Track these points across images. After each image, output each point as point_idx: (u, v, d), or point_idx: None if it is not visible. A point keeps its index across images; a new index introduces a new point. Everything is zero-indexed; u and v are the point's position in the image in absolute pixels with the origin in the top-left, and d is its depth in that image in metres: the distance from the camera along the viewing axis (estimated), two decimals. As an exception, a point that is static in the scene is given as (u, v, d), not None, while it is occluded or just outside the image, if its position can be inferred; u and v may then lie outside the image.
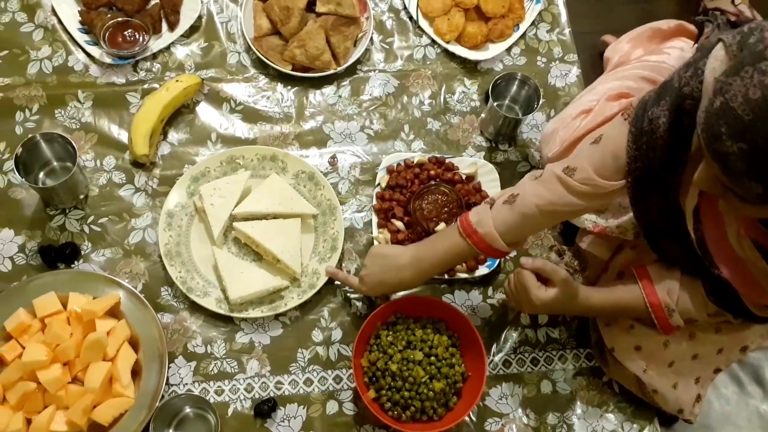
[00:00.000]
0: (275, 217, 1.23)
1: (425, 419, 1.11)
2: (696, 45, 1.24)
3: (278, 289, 1.19)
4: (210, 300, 1.17)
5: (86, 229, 1.22)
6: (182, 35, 1.37)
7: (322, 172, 1.28)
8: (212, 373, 1.16)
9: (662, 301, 1.00)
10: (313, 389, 1.16)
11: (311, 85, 1.38)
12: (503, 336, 1.23)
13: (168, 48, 1.37)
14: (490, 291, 1.25)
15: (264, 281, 1.17)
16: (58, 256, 1.18)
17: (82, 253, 1.20)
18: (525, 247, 1.29)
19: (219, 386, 1.15)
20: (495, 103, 1.30)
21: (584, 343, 1.23)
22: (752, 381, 1.24)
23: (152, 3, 1.38)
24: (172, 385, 1.14)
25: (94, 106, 1.31)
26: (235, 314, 1.17)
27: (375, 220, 1.25)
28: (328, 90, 1.38)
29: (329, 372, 1.17)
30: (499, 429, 1.17)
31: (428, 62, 1.42)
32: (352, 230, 1.27)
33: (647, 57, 1.25)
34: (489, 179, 1.30)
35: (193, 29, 1.39)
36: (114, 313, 1.13)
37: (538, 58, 1.45)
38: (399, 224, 1.24)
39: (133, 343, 1.12)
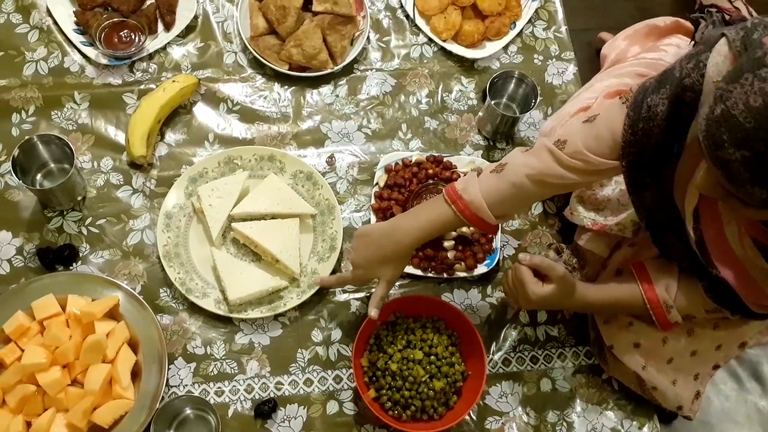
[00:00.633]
0: (274, 217, 1.22)
1: (426, 418, 1.11)
2: (692, 42, 1.24)
3: (277, 290, 1.19)
4: (209, 301, 1.17)
5: (84, 230, 1.22)
6: (178, 35, 1.37)
7: (320, 171, 1.28)
8: (212, 374, 1.16)
9: (660, 297, 1.00)
10: (313, 389, 1.16)
11: (308, 85, 1.37)
12: (502, 334, 1.23)
13: (164, 48, 1.36)
14: (489, 290, 1.25)
15: (263, 282, 1.17)
16: (56, 258, 1.18)
17: (81, 254, 1.20)
18: (524, 246, 1.29)
19: (219, 387, 1.15)
20: (492, 102, 1.30)
21: (583, 340, 1.23)
22: (751, 377, 1.24)
23: (148, 3, 1.37)
24: (172, 387, 1.14)
25: (91, 108, 1.30)
26: (234, 315, 1.17)
27: (374, 219, 1.25)
28: (325, 89, 1.38)
29: (329, 372, 1.18)
30: (500, 427, 1.17)
31: (425, 61, 1.42)
32: (351, 230, 1.26)
33: (644, 54, 1.25)
34: (487, 178, 1.29)
35: (189, 29, 1.38)
36: (113, 314, 1.13)
37: (535, 55, 1.45)
38: (397, 223, 1.23)
39: (133, 345, 1.12)
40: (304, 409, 1.15)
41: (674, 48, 1.23)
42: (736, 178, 0.66)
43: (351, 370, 1.16)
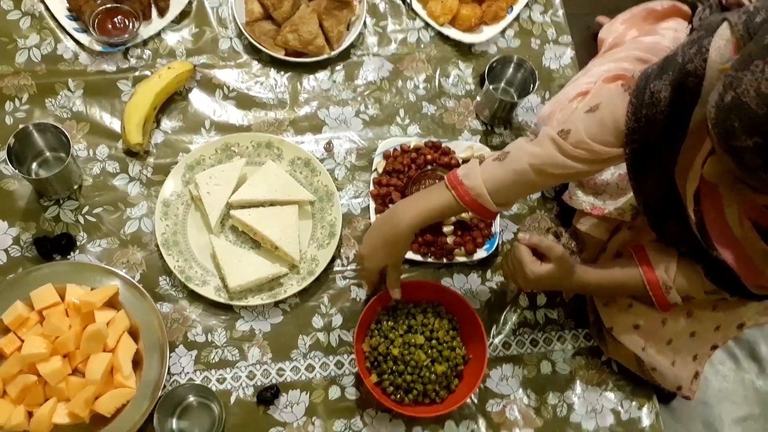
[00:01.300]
0: (272, 204, 1.22)
1: (428, 402, 1.12)
2: (690, 25, 1.24)
3: (277, 277, 1.19)
4: (209, 288, 1.17)
5: (81, 219, 1.21)
6: (172, 21, 1.35)
7: (318, 158, 1.28)
8: (213, 361, 1.16)
9: (660, 278, 1.01)
10: (315, 375, 1.17)
11: (305, 71, 1.36)
12: (502, 318, 1.23)
13: (158, 34, 1.34)
14: (488, 274, 1.26)
15: (263, 269, 1.17)
16: (53, 247, 1.17)
17: (78, 244, 1.19)
18: (523, 230, 1.29)
19: (221, 374, 1.15)
20: (491, 86, 1.30)
21: (582, 323, 1.24)
22: (748, 357, 1.26)
23: (141, -12, 1.36)
24: (173, 375, 1.14)
25: (85, 95, 1.29)
26: (234, 302, 1.17)
27: (372, 205, 1.25)
28: (322, 75, 1.37)
29: (331, 358, 1.18)
30: (501, 410, 1.18)
31: (422, 45, 1.41)
32: (350, 216, 1.26)
33: (642, 38, 1.25)
34: (485, 162, 1.29)
35: (183, 15, 1.36)
36: (113, 303, 1.12)
37: (532, 40, 1.44)
38: (397, 209, 1.23)
39: (133, 334, 1.11)
40: (306, 394, 1.15)
41: (672, 32, 1.23)
42: (748, 165, 0.66)
43: (352, 356, 1.16)
